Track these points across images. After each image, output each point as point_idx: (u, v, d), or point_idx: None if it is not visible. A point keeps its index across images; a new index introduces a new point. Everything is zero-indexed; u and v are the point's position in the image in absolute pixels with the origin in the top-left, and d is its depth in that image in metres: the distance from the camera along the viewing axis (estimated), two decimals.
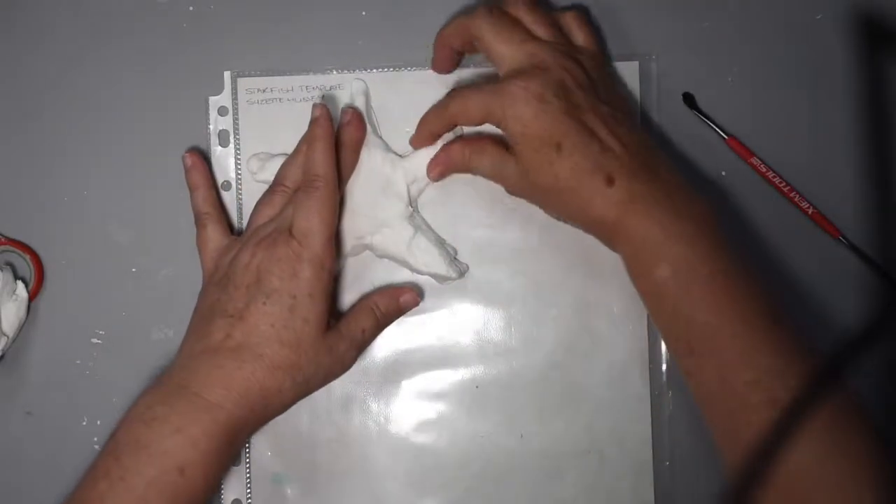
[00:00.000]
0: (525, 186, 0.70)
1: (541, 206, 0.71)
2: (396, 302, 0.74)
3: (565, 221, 0.71)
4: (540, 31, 0.70)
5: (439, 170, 0.73)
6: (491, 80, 0.70)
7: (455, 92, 0.71)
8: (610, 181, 0.66)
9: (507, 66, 0.69)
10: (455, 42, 0.72)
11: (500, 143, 0.70)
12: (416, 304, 0.74)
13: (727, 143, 0.75)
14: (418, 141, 0.74)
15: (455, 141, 0.73)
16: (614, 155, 0.66)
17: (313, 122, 0.71)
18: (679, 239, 0.65)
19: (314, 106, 0.71)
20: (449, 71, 0.75)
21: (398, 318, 0.74)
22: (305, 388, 0.70)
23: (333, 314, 0.72)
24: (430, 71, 0.75)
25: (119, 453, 0.65)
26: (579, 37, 0.72)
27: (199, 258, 0.73)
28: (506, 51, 0.69)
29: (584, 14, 0.74)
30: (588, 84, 0.68)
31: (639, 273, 0.67)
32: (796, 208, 0.74)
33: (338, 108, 0.75)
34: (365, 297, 0.74)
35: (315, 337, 0.68)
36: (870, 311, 0.74)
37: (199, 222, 0.73)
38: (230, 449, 0.67)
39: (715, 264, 0.65)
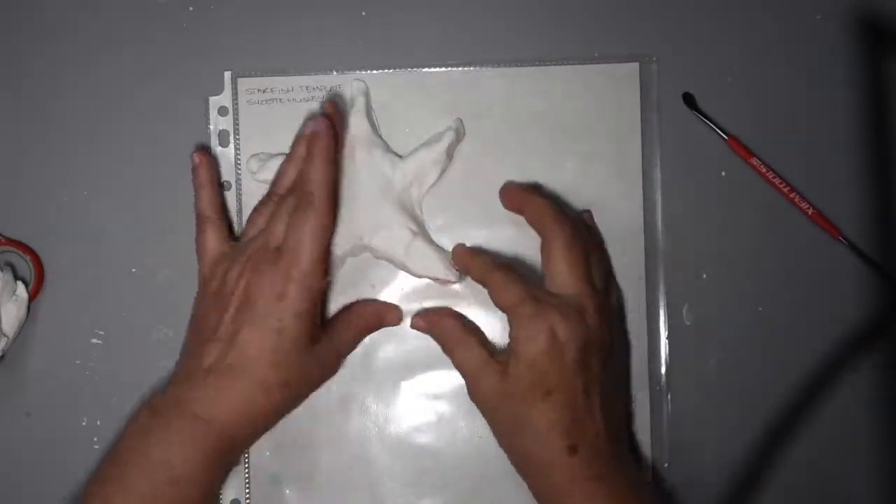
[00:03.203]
0: (490, 403, 0.69)
1: (492, 425, 0.70)
2: (380, 319, 0.74)
3: (501, 445, 0.70)
4: (596, 276, 0.69)
5: (423, 326, 0.73)
6: (534, 278, 0.69)
7: (504, 271, 0.69)
8: (573, 450, 0.65)
9: (555, 287, 0.68)
10: (531, 216, 0.71)
11: (488, 345, 0.70)
12: (398, 324, 0.75)
13: (727, 144, 0.75)
14: (460, 262, 0.73)
15: (452, 317, 0.73)
16: (592, 429, 0.66)
17: (314, 136, 0.70)
18: None
19: (316, 120, 0.70)
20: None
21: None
22: (297, 401, 0.72)
23: (322, 322, 0.72)
24: (431, 71, 0.76)
25: (117, 460, 0.67)
26: (612, 292, 0.72)
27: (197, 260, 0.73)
28: (566, 276, 0.68)
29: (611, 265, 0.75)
30: (608, 354, 0.68)
31: None
32: (796, 208, 0.74)
33: (343, 107, 0.75)
34: (350, 309, 0.74)
35: (304, 355, 0.68)
36: (870, 311, 0.74)
37: (199, 226, 0.73)
38: (224, 464, 0.69)
39: None
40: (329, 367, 0.72)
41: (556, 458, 0.66)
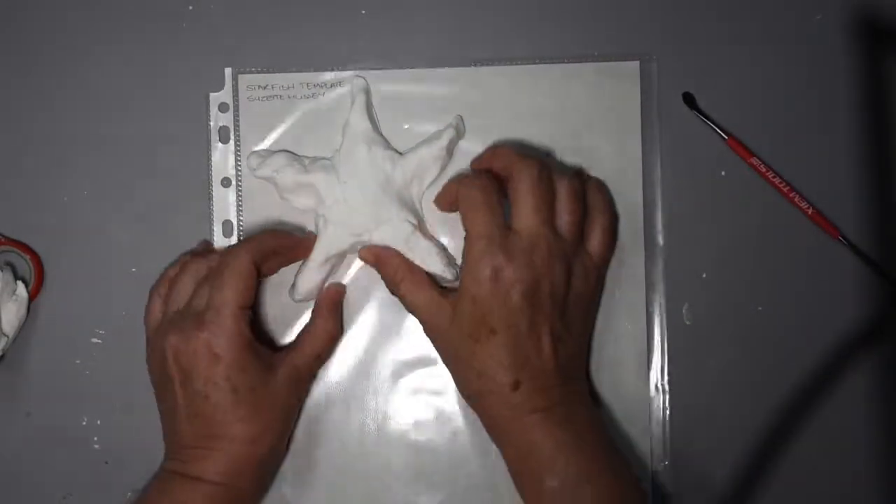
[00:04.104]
0: (439, 337, 0.70)
1: (440, 355, 0.72)
2: (337, 305, 0.74)
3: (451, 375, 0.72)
4: (564, 217, 0.69)
5: (370, 259, 0.73)
6: (499, 209, 0.69)
7: (479, 194, 0.69)
8: (515, 385, 0.66)
9: (516, 225, 0.68)
10: (499, 164, 0.71)
11: (436, 286, 0.71)
12: (344, 290, 0.75)
13: (727, 143, 0.75)
14: (437, 200, 0.74)
15: (399, 255, 0.72)
16: (538, 366, 0.67)
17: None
18: (571, 452, 0.66)
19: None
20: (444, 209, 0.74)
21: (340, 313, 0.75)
22: (289, 428, 0.73)
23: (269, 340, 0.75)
24: (430, 70, 0.76)
25: None
26: (594, 242, 0.71)
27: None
28: (526, 215, 0.67)
29: (614, 224, 0.73)
30: (562, 298, 0.68)
31: (524, 477, 0.68)
32: (796, 208, 0.74)
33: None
34: (313, 319, 0.74)
35: (268, 393, 0.69)
36: (870, 311, 0.74)
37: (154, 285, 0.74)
38: None
39: (598, 483, 0.66)
40: (302, 380, 0.73)
41: (498, 391, 0.67)
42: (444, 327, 0.69)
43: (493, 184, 0.70)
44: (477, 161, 0.74)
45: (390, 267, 0.72)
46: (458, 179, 0.72)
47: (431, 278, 0.72)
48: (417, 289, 0.70)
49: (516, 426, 0.67)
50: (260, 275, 0.71)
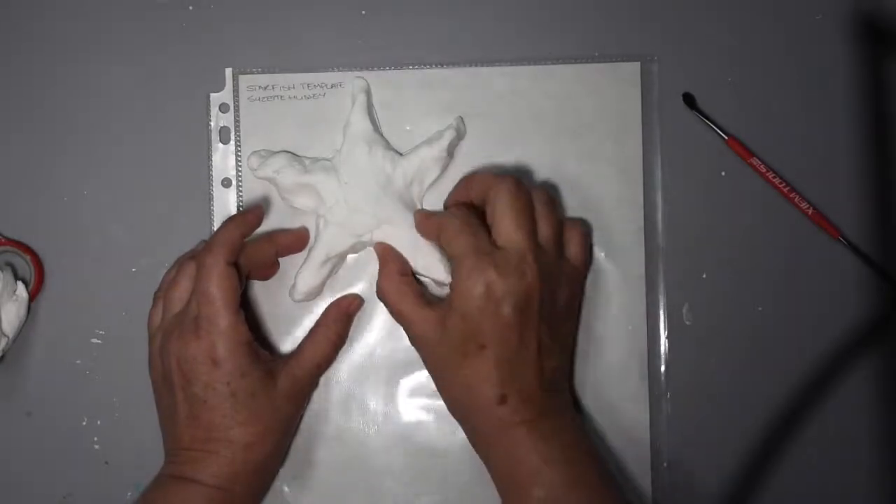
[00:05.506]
0: (425, 349, 0.70)
1: (427, 367, 0.71)
2: (347, 316, 0.75)
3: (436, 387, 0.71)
4: (544, 228, 0.69)
5: (379, 255, 0.74)
6: (483, 230, 0.69)
7: (455, 221, 0.69)
8: (502, 399, 0.66)
9: (501, 241, 0.67)
10: (475, 190, 0.71)
11: (426, 295, 0.70)
12: (362, 304, 0.75)
13: (727, 144, 0.75)
14: (420, 228, 0.73)
15: (398, 263, 0.72)
16: (525, 380, 0.67)
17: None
18: (557, 464, 0.66)
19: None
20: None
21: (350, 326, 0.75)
22: (287, 435, 0.73)
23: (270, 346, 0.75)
24: (432, 70, 0.76)
25: None
26: (572, 249, 0.71)
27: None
28: (510, 230, 0.67)
29: (587, 230, 0.74)
30: (549, 310, 0.68)
31: (511, 489, 0.67)
32: (796, 208, 0.74)
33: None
34: (316, 327, 0.74)
35: (268, 399, 0.69)
36: (870, 311, 0.74)
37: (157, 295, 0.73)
38: None
39: (585, 492, 0.66)
40: (301, 390, 0.72)
41: (485, 406, 0.67)
42: (431, 340, 0.69)
43: (471, 210, 0.70)
44: (452, 195, 0.74)
45: (390, 264, 0.72)
46: (438, 213, 0.72)
47: (419, 290, 0.71)
48: (403, 298, 0.70)
49: (502, 440, 0.67)
50: (250, 275, 0.72)
